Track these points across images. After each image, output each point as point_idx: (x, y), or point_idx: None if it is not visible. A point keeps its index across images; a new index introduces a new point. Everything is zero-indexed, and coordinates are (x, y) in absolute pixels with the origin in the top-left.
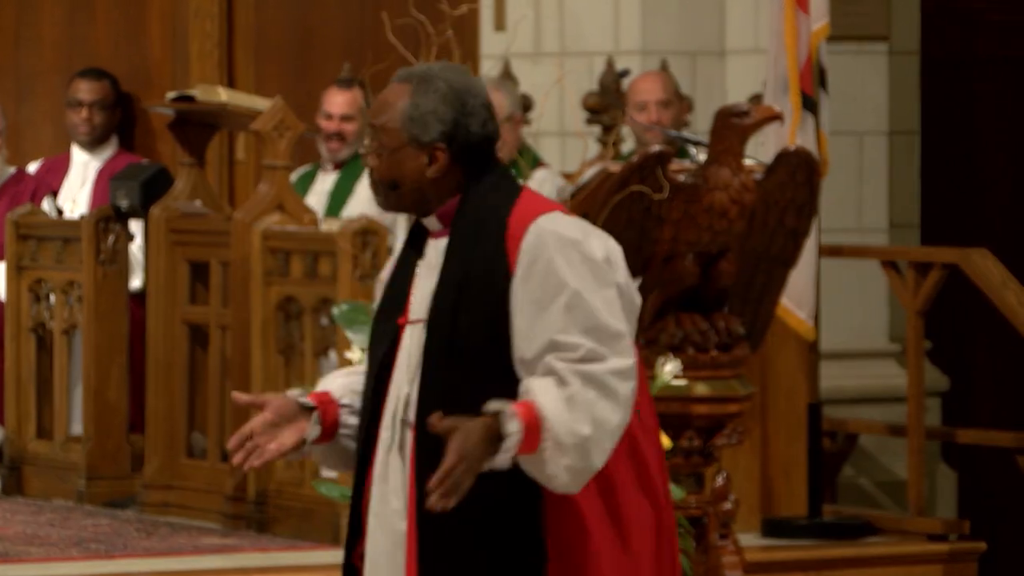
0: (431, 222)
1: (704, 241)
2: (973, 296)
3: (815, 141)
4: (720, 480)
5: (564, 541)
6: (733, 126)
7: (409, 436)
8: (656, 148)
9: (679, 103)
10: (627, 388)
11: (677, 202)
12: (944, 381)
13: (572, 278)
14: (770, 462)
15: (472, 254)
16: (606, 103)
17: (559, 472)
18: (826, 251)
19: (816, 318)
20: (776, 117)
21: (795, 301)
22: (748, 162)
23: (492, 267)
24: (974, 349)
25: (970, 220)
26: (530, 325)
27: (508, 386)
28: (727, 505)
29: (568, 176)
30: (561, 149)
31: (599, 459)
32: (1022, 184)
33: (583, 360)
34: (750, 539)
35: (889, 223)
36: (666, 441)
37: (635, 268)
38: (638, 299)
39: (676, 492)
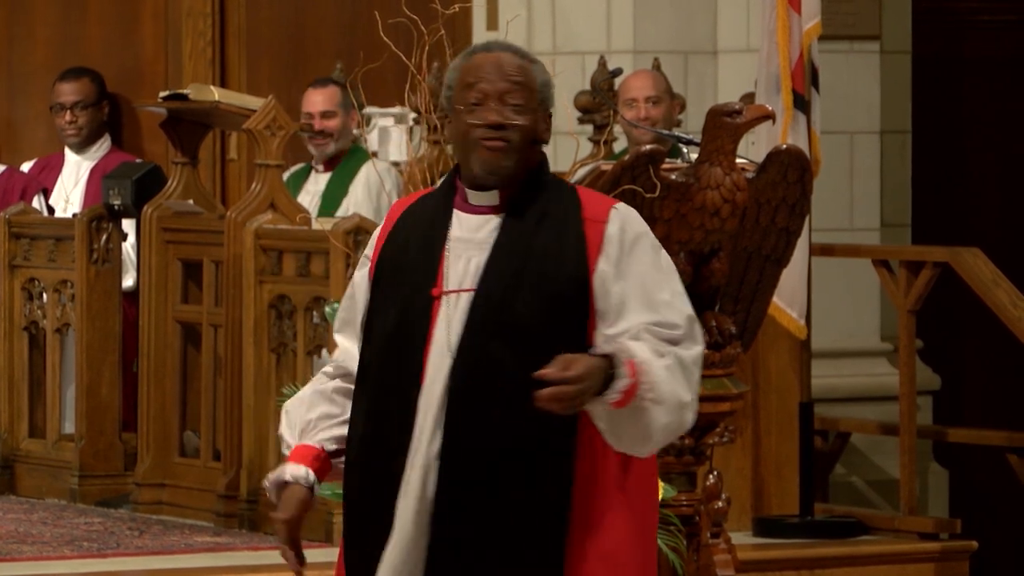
0: (480, 196)
1: (696, 240)
2: (964, 295)
3: (807, 140)
4: (712, 479)
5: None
6: (725, 125)
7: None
8: (648, 147)
9: (670, 101)
10: (700, 374)
11: (669, 201)
12: (935, 380)
13: (666, 264)
14: (762, 461)
15: (539, 231)
16: (598, 102)
17: (655, 429)
18: (818, 250)
19: (808, 317)
20: (768, 116)
21: (787, 300)
22: (740, 161)
23: (565, 245)
24: (965, 348)
25: (961, 219)
26: (625, 303)
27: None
28: (719, 504)
29: (560, 175)
30: (553, 148)
31: (688, 425)
32: (1013, 183)
33: (678, 341)
34: (742, 538)
35: (881, 222)
36: None
37: None
38: None
39: (668, 491)
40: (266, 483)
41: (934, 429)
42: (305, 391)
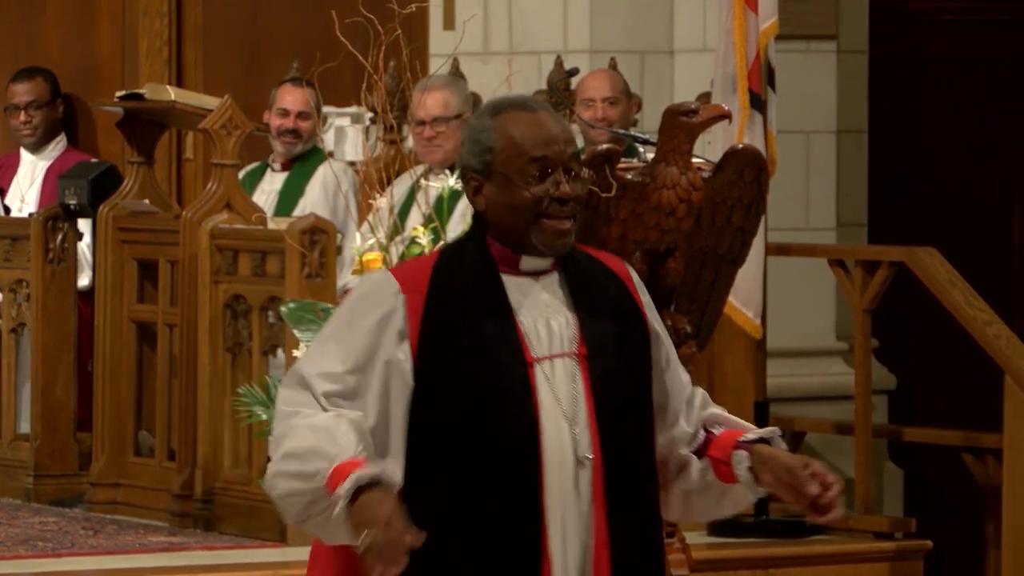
0: (535, 262)
1: (652, 239)
2: (920, 295)
3: (763, 140)
4: None
5: None
6: (681, 124)
7: (585, 475)
8: (604, 147)
9: (627, 101)
10: None
11: (625, 200)
12: (891, 379)
13: None
14: None
15: (596, 289)
16: (554, 102)
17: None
18: (774, 250)
19: (763, 316)
20: (724, 116)
21: (742, 299)
22: (696, 160)
23: (625, 302)
24: (921, 348)
25: (918, 219)
26: (669, 355)
27: (651, 417)
28: None
29: None
30: None
31: None
32: (969, 183)
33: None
34: (696, 537)
35: (837, 222)
36: None
37: None
38: None
39: None
40: (337, 507)
41: (889, 428)
42: (314, 421)
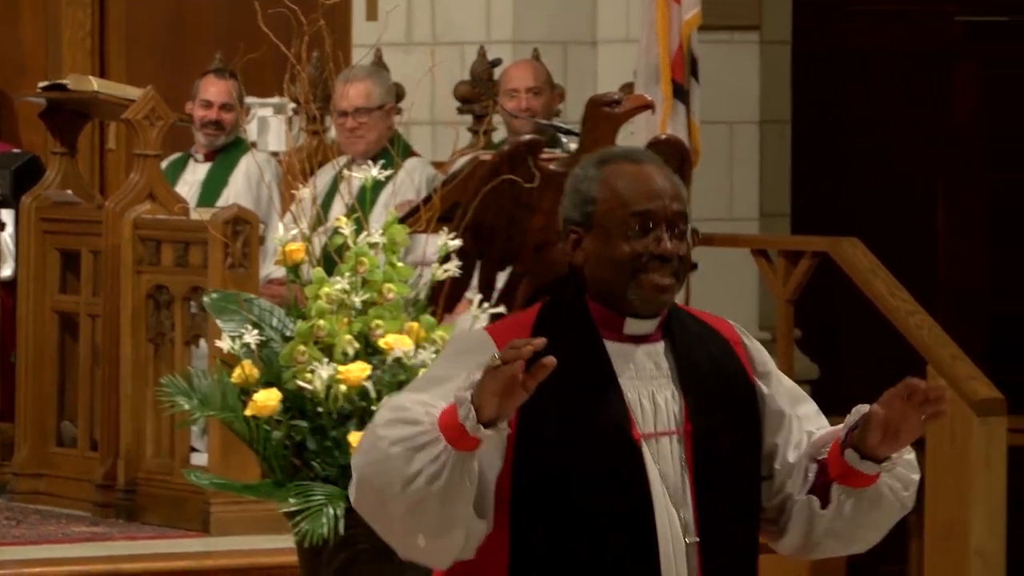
0: (639, 325)
1: None
2: (843, 285)
3: (686, 130)
4: None
5: None
6: (604, 115)
7: (692, 560)
8: (527, 137)
9: (551, 92)
10: None
11: (548, 191)
12: (814, 369)
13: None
14: None
15: (702, 358)
16: (477, 92)
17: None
18: (697, 240)
19: (687, 306)
20: (647, 106)
21: None
22: None
23: (734, 373)
24: (844, 337)
25: (840, 209)
26: (793, 428)
27: (756, 495)
28: None
29: (439, 165)
30: (432, 138)
31: None
32: (891, 173)
33: None
34: None
35: (760, 212)
36: None
37: (505, 257)
38: None
39: None
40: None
41: None
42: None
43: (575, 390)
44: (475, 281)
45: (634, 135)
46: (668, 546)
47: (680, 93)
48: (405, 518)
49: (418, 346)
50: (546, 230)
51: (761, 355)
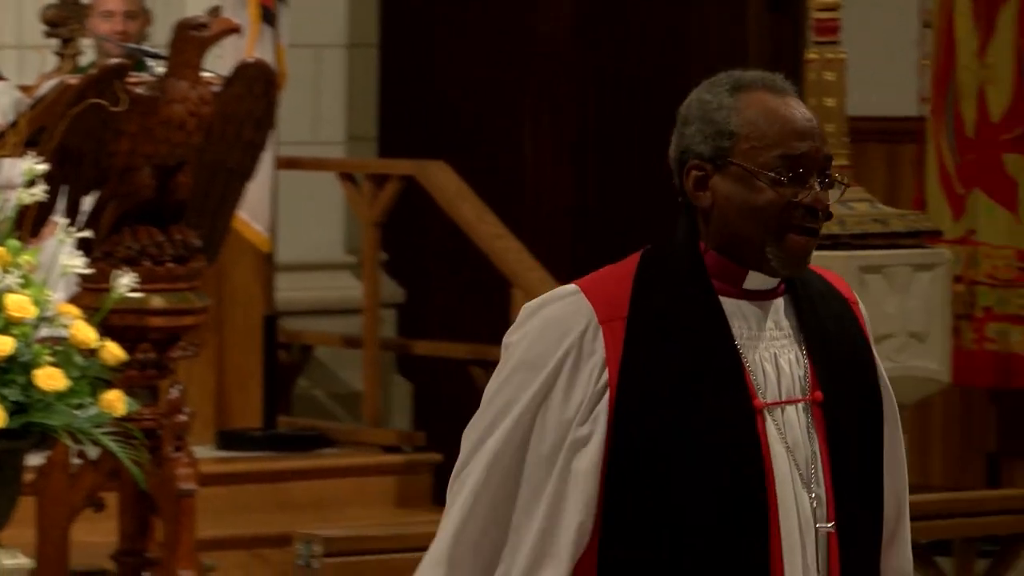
0: (762, 280)
1: (161, 154)
2: (430, 208)
3: (273, 53)
4: (175, 392)
5: None
6: (191, 39)
7: (823, 551)
8: (114, 61)
9: (144, 15)
10: None
11: (134, 115)
12: (400, 293)
13: None
14: (226, 375)
15: (825, 317)
16: (64, 16)
17: None
18: (283, 163)
19: (273, 230)
20: (233, 29)
21: (252, 214)
22: (206, 75)
23: (856, 336)
24: (431, 262)
25: (428, 133)
26: (894, 405)
27: (882, 483)
28: (181, 417)
29: (26, 89)
30: (19, 62)
31: None
32: (478, 98)
33: None
34: (205, 451)
35: (347, 136)
36: (120, 354)
37: (92, 181)
38: None
39: (131, 405)
40: None
41: (398, 342)
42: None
43: (685, 353)
44: (62, 205)
45: (221, 59)
46: (794, 536)
47: (268, 16)
48: None
49: (4, 271)
50: (133, 154)
51: (869, 327)
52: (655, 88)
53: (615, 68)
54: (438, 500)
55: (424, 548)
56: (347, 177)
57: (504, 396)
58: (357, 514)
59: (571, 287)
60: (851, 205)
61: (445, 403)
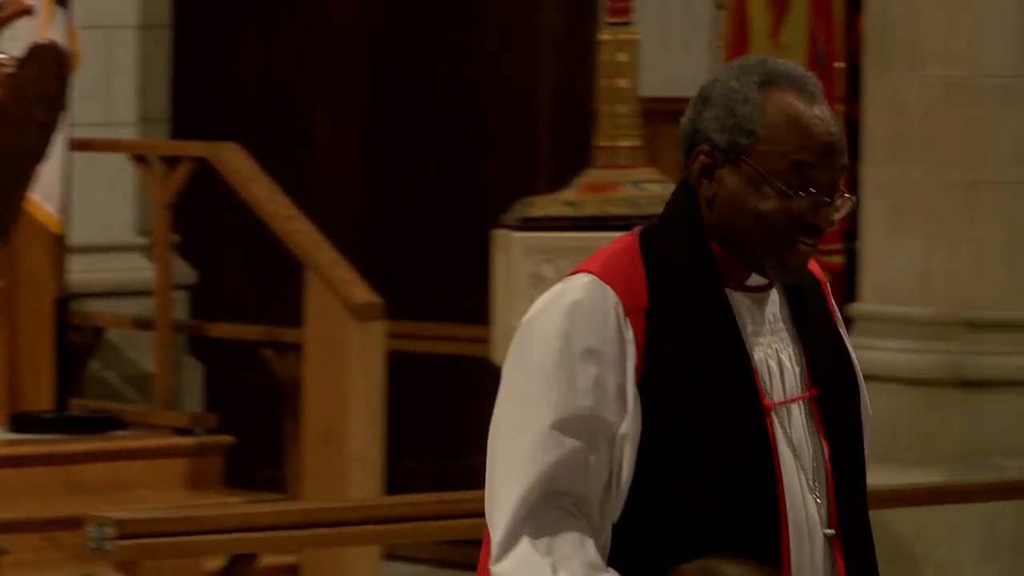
0: (760, 277)
1: None
2: (222, 190)
3: (66, 35)
4: None
5: None
6: None
7: (827, 556)
8: None
9: None
10: None
11: None
12: (192, 275)
13: None
14: (17, 357)
15: (818, 310)
16: None
17: None
18: (75, 145)
19: (65, 212)
20: (26, 11)
21: (44, 195)
22: None
23: (832, 322)
24: (223, 243)
25: (221, 115)
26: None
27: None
28: None
29: None
30: None
31: None
32: (270, 79)
33: None
34: None
35: (139, 117)
36: None
37: None
38: None
39: None
40: None
41: (190, 323)
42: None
43: (697, 351)
44: None
45: (15, 40)
46: (803, 541)
47: None
48: None
49: None
50: None
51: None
52: (444, 65)
53: (403, 44)
54: (230, 482)
55: (216, 530)
56: (139, 159)
57: (585, 379)
58: (149, 496)
59: (584, 276)
60: (644, 186)
61: (237, 385)
